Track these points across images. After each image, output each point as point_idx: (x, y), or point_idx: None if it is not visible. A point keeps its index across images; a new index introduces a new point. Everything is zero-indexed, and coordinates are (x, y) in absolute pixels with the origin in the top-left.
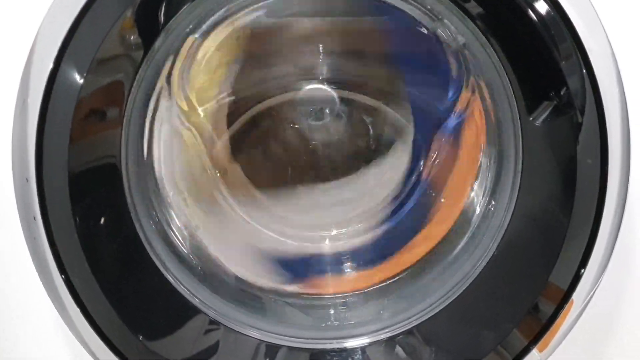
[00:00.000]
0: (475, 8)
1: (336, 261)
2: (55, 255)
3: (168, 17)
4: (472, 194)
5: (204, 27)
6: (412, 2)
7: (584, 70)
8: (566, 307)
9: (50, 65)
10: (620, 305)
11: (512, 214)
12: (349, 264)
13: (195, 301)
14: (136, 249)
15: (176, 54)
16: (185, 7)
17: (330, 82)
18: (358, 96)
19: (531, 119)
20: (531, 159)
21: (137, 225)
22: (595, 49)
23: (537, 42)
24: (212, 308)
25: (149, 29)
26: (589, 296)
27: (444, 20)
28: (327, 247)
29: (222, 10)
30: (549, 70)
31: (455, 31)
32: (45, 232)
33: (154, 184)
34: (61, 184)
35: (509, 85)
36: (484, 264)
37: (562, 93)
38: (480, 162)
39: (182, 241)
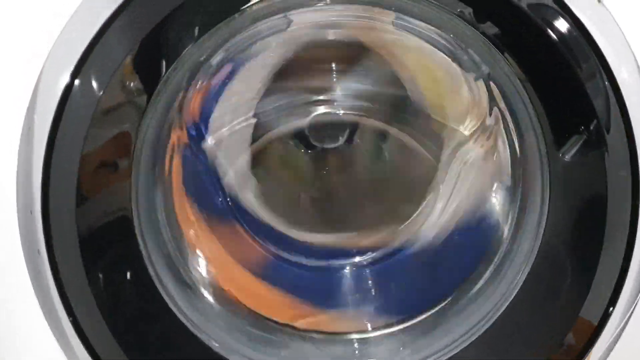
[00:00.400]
0: (491, 28)
1: (356, 292)
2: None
3: (170, 61)
4: (494, 226)
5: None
6: (436, 29)
7: (614, 99)
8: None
9: (49, 124)
10: None
11: (539, 249)
12: (370, 294)
13: (215, 345)
14: (153, 296)
15: (187, 86)
16: (186, 49)
17: (344, 107)
18: (373, 122)
19: (560, 154)
20: (558, 193)
21: (150, 271)
22: (625, 77)
23: (562, 65)
24: (233, 350)
25: (151, 74)
26: (618, 333)
27: (468, 50)
28: (347, 274)
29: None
30: (578, 101)
31: (480, 61)
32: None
33: (166, 223)
34: (73, 252)
35: (536, 117)
36: (510, 299)
37: (592, 127)
38: (503, 193)
39: (199, 284)
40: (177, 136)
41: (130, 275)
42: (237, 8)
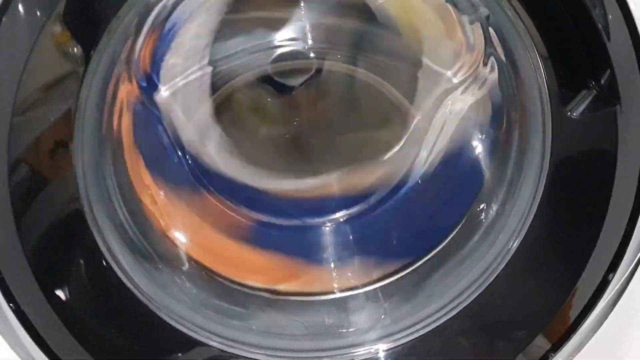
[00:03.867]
0: None
1: (335, 248)
2: None
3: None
4: (483, 185)
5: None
6: None
7: (632, 48)
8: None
9: None
10: None
11: (536, 213)
12: (347, 252)
13: (177, 322)
14: (103, 271)
15: (135, 34)
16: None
17: (317, 51)
18: (340, 63)
19: (567, 110)
20: (561, 154)
21: (100, 243)
22: None
23: (574, 8)
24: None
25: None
26: (615, 300)
27: None
28: (327, 231)
29: None
30: (590, 49)
31: (478, 2)
32: None
33: (117, 190)
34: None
35: (541, 68)
36: (501, 266)
37: (603, 81)
38: (493, 148)
39: (159, 255)
40: (127, 91)
41: (77, 251)
42: None
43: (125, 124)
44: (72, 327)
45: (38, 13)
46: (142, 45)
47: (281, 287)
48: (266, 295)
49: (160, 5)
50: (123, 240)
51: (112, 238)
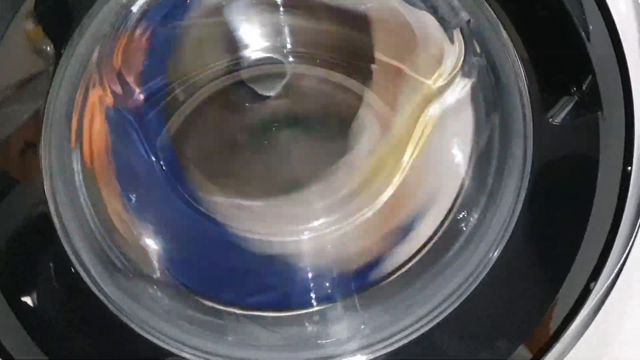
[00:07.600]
0: None
1: (313, 258)
2: None
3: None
4: (464, 193)
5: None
6: None
7: (613, 53)
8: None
9: None
10: (627, 316)
11: (518, 221)
12: (325, 261)
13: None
14: (71, 280)
15: (110, 32)
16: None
17: (296, 55)
18: (327, 73)
19: (549, 117)
20: (542, 161)
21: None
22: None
23: (555, 13)
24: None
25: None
26: (597, 308)
27: None
28: (304, 239)
29: None
30: (573, 55)
31: (459, 6)
32: None
33: (86, 197)
34: None
35: (522, 73)
36: (482, 275)
37: (585, 87)
38: (474, 154)
39: (132, 266)
40: (99, 94)
41: (44, 257)
42: None
43: (96, 128)
44: (37, 336)
45: (8, 7)
46: (115, 47)
47: (256, 299)
48: (238, 310)
49: (136, 6)
50: (92, 247)
51: (81, 245)
